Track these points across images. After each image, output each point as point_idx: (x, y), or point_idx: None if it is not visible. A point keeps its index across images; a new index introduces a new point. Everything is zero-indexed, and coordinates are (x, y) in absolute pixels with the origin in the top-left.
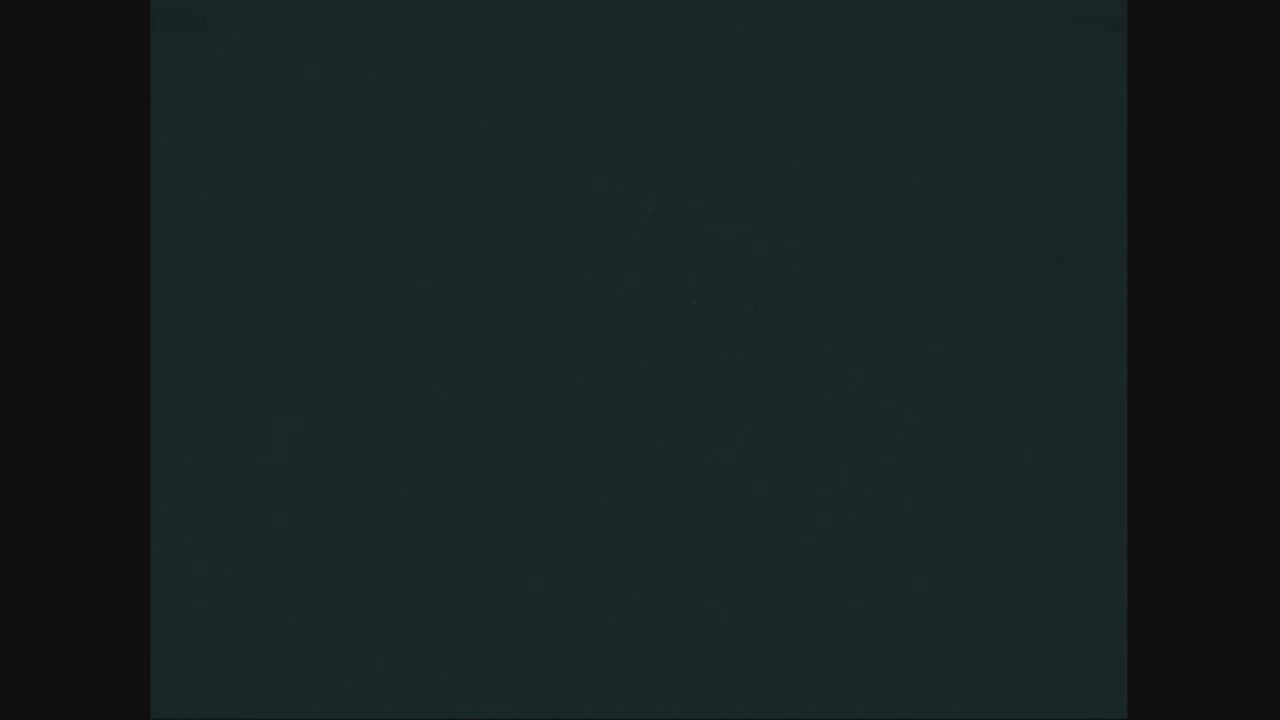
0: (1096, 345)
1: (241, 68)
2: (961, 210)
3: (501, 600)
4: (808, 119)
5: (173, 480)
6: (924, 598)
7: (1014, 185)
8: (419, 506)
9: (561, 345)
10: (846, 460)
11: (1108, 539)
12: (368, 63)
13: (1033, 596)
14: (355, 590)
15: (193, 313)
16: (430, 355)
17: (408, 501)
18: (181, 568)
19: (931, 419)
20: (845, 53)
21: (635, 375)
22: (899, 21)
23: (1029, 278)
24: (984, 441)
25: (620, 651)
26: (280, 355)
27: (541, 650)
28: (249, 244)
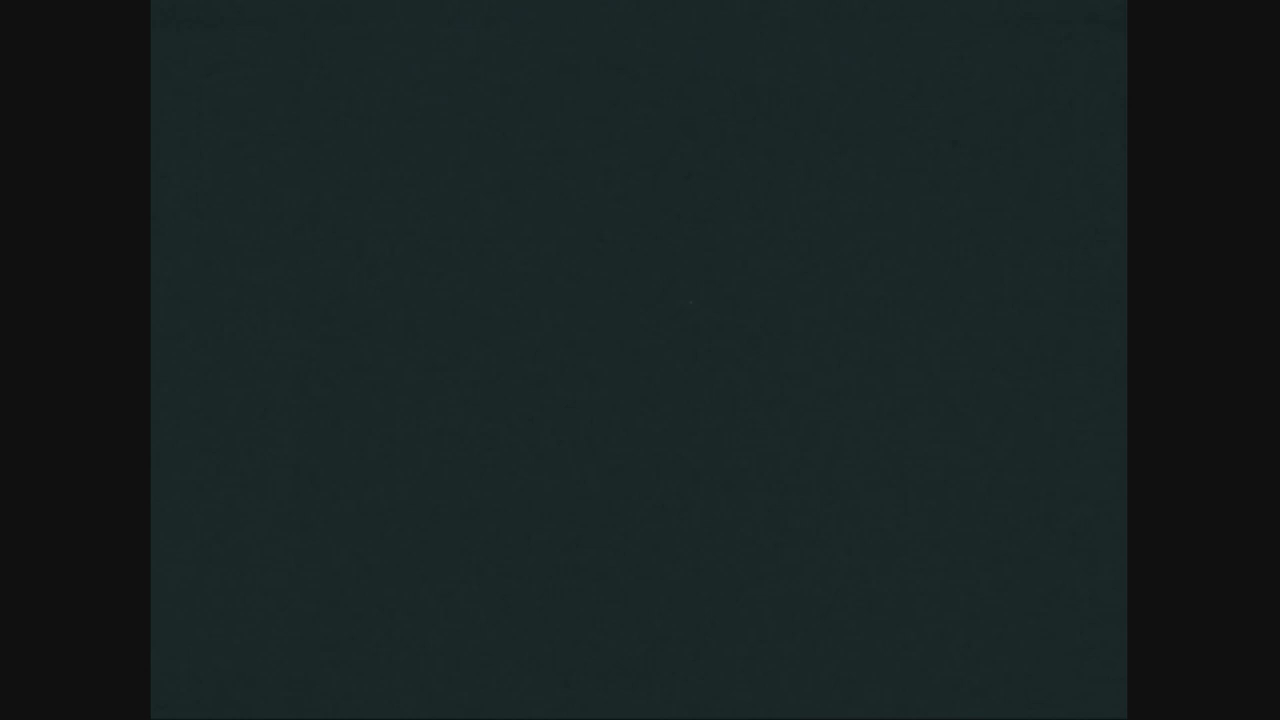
0: (1096, 345)
1: (241, 68)
2: (962, 209)
3: (501, 600)
4: (807, 118)
5: (173, 480)
6: (925, 598)
7: (1014, 184)
8: (418, 507)
9: (560, 345)
10: (847, 461)
11: (1108, 539)
12: (367, 62)
13: (1033, 596)
14: (355, 591)
15: (192, 311)
16: (429, 354)
17: (407, 502)
18: (181, 568)
19: (932, 420)
20: (845, 53)
21: (634, 376)
22: (899, 22)
23: (1029, 276)
24: (984, 442)
25: (619, 651)
26: (280, 354)
27: (541, 650)
28: (248, 242)
